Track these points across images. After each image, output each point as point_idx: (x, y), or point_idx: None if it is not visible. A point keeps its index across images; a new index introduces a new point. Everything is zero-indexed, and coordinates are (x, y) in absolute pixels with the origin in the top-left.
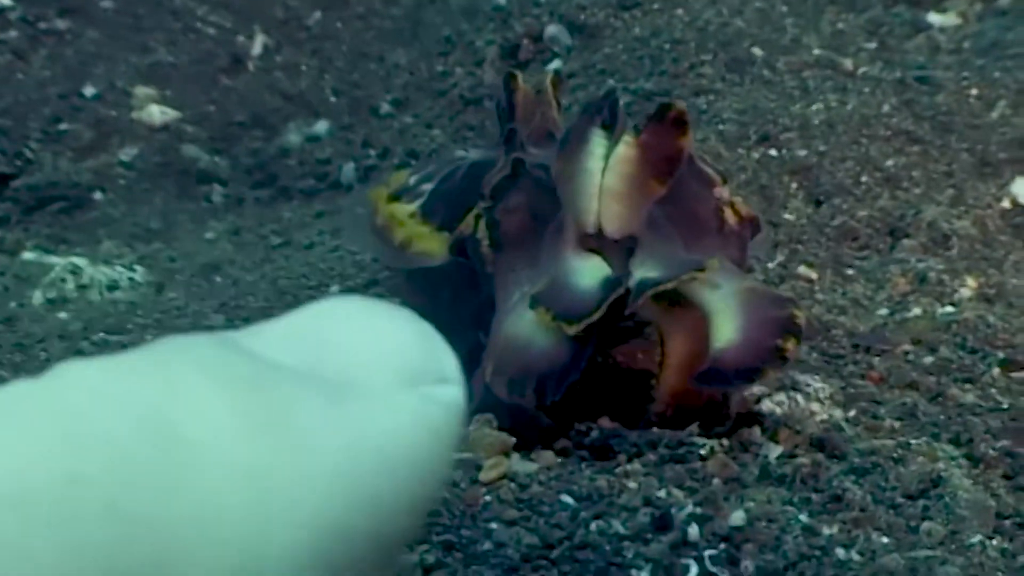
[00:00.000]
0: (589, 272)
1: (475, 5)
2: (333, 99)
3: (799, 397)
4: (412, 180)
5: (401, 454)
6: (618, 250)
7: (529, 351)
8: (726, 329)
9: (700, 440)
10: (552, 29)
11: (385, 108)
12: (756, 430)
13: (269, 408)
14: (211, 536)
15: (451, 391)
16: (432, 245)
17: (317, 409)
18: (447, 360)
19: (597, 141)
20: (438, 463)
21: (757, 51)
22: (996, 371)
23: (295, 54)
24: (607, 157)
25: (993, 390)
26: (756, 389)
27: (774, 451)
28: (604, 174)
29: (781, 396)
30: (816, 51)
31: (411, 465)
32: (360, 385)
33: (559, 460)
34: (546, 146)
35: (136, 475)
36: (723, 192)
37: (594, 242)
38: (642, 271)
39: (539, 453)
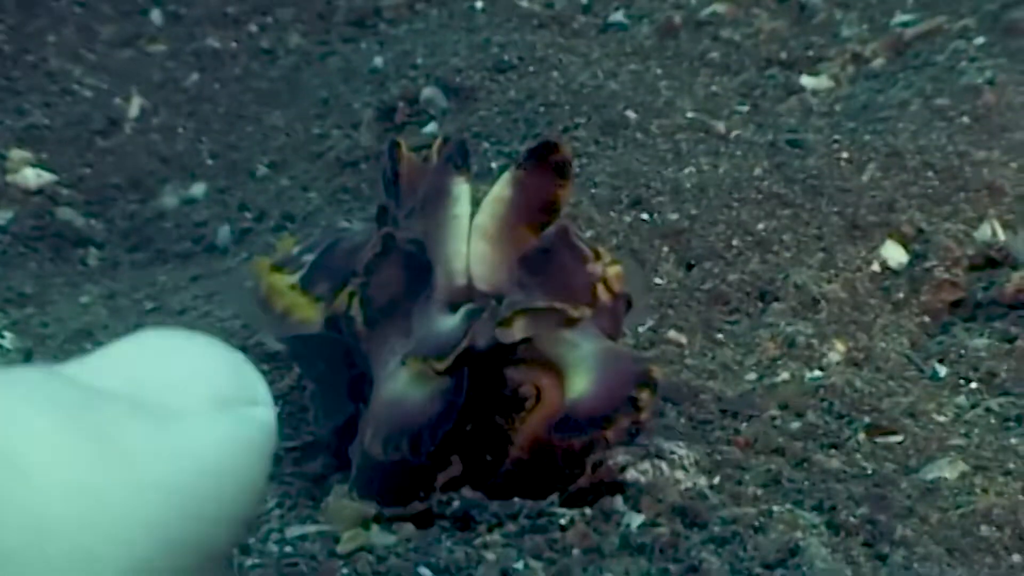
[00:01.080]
0: (454, 316)
1: (352, 67)
2: (210, 161)
3: (664, 465)
4: (295, 250)
5: (218, 468)
6: (487, 303)
7: (404, 407)
8: (580, 381)
9: (560, 510)
10: (428, 91)
11: (262, 170)
12: (619, 499)
13: (94, 429)
14: (44, 547)
15: (262, 412)
16: (309, 313)
17: (139, 429)
18: (258, 385)
19: (458, 188)
20: (253, 476)
21: (631, 114)
22: (862, 436)
23: (172, 116)
24: (475, 202)
25: (858, 455)
26: (620, 458)
27: (636, 520)
28: (474, 215)
29: (646, 464)
30: (690, 114)
31: (228, 478)
32: (177, 407)
33: (419, 531)
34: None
35: None
36: (596, 268)
37: (463, 297)
38: (509, 304)
39: (399, 524)
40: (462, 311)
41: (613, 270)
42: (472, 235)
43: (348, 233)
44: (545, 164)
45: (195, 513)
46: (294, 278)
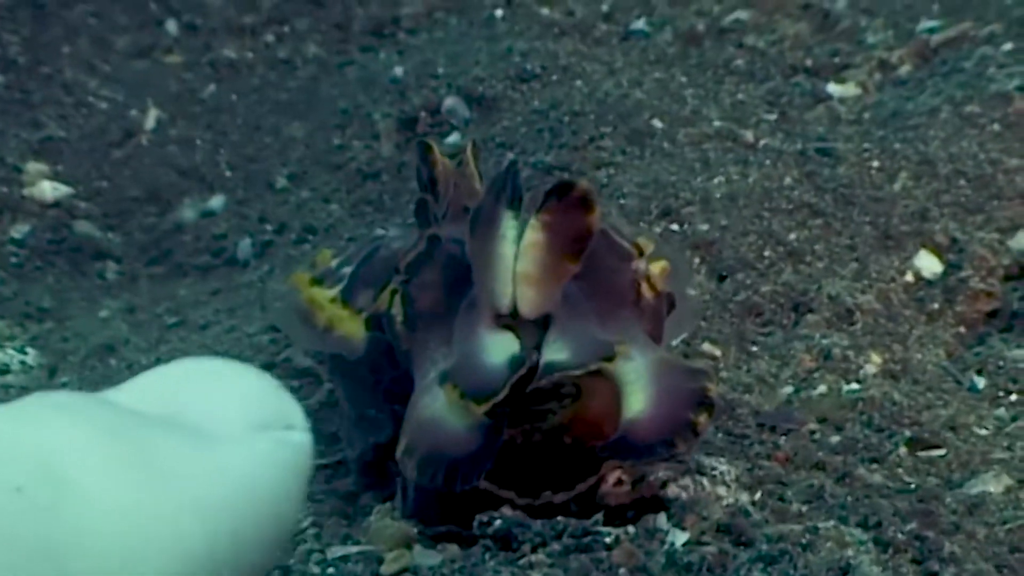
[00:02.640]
0: (499, 349)
1: (372, 77)
2: (228, 173)
3: (705, 481)
4: (334, 264)
5: (256, 490)
6: (532, 327)
7: (441, 433)
8: (637, 400)
9: (605, 529)
10: (450, 101)
11: (281, 182)
12: (662, 516)
13: (138, 452)
14: (91, 563)
15: (298, 436)
16: (352, 328)
17: (178, 452)
18: (294, 410)
19: (507, 224)
20: (291, 498)
21: (657, 123)
22: (903, 450)
23: (189, 128)
24: (518, 239)
25: (900, 470)
26: (661, 474)
27: (680, 538)
28: (516, 259)
29: (687, 480)
30: (716, 123)
31: (265, 500)
32: (217, 431)
33: (462, 551)
34: (463, 221)
35: (26, 509)
36: (639, 265)
37: (508, 319)
38: (553, 349)
39: (443, 545)
40: (508, 355)
41: (658, 266)
42: (516, 281)
43: (384, 240)
44: (567, 199)
45: (234, 533)
46: (334, 291)
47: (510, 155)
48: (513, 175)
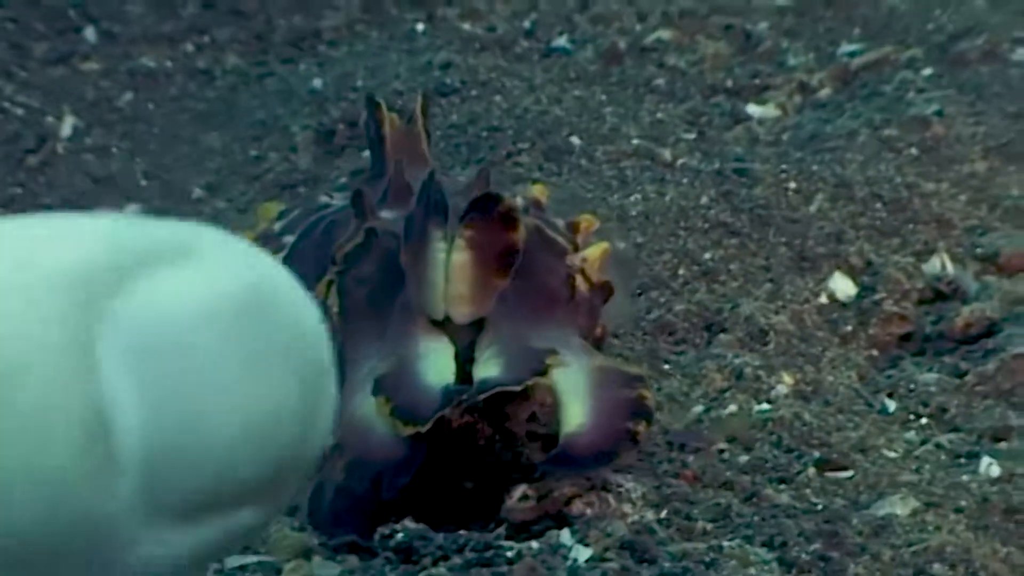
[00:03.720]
0: (435, 366)
1: (291, 89)
2: (144, 182)
3: (610, 498)
4: (277, 227)
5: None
6: (466, 332)
7: (371, 438)
8: (575, 413)
9: (507, 544)
10: (362, 118)
11: (197, 192)
12: (566, 532)
13: None
14: None
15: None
16: None
17: None
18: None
19: (436, 243)
20: None
21: (575, 140)
22: (811, 471)
23: (105, 136)
24: (448, 257)
25: (808, 491)
26: (567, 489)
27: (583, 554)
28: (447, 278)
29: (592, 497)
30: (635, 141)
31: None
32: None
33: (362, 563)
34: (403, 205)
35: None
36: (574, 260)
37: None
38: (487, 362)
39: (343, 556)
40: (444, 380)
41: (597, 249)
42: (447, 295)
43: (327, 212)
44: (490, 219)
45: None
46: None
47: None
48: (434, 190)
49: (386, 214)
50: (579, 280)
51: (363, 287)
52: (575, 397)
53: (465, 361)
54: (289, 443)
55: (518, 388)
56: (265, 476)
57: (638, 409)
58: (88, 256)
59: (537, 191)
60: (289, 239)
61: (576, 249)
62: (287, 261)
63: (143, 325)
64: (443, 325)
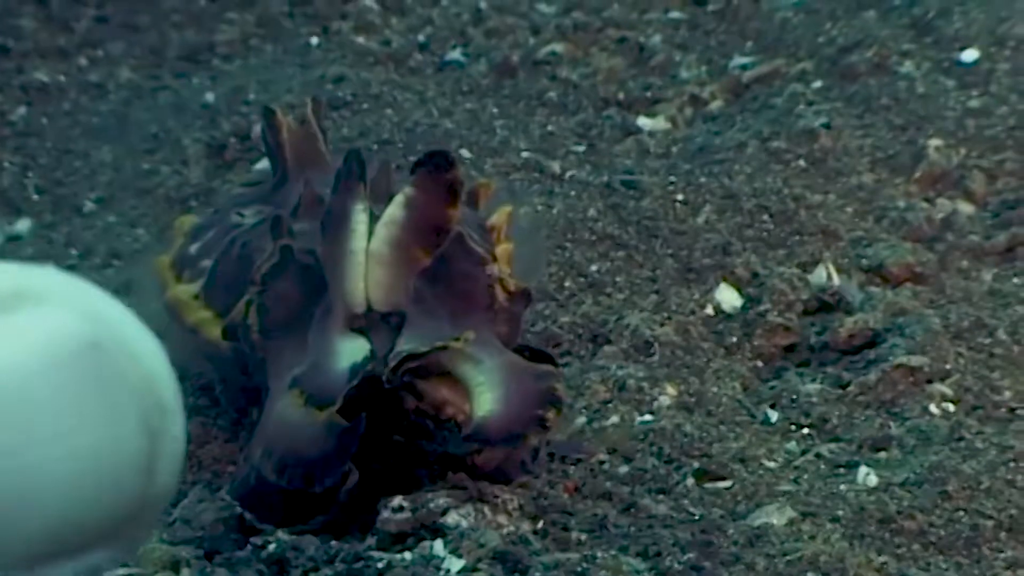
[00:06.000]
0: (348, 354)
1: (183, 103)
2: (36, 197)
3: (486, 509)
4: (192, 249)
5: None
6: (385, 329)
7: (297, 435)
8: (486, 400)
9: (378, 554)
10: (260, 128)
11: (89, 206)
12: (439, 543)
13: None
14: None
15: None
16: (217, 332)
17: None
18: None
19: (358, 218)
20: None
21: (465, 152)
22: (690, 481)
23: None
24: (369, 232)
25: (686, 501)
26: (441, 500)
27: (456, 565)
28: (370, 240)
29: (468, 508)
30: (525, 153)
31: None
32: None
33: (232, 575)
34: (316, 214)
35: None
36: (493, 269)
37: (362, 322)
38: (403, 343)
39: (212, 568)
40: (355, 360)
41: (500, 216)
42: (368, 261)
43: (240, 232)
44: (436, 185)
45: None
46: (196, 287)
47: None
48: (358, 157)
49: (299, 226)
50: (498, 289)
51: (283, 303)
52: (488, 388)
53: (381, 359)
54: (131, 486)
55: (424, 350)
56: (109, 520)
57: (549, 398)
58: None
59: (482, 189)
60: (206, 262)
61: (495, 259)
62: (207, 285)
63: None
64: (364, 319)
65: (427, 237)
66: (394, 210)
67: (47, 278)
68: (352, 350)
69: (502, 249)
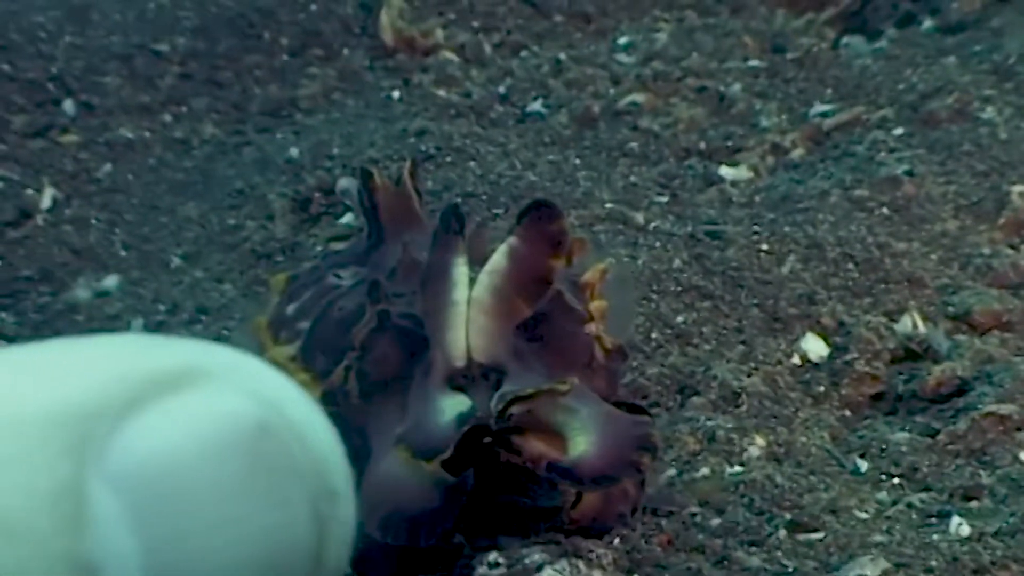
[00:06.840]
0: (451, 408)
1: (267, 158)
2: (123, 253)
3: (581, 564)
4: (289, 310)
5: None
6: (485, 386)
7: (401, 491)
8: (581, 442)
9: None
10: (344, 182)
11: (176, 262)
12: None
13: None
14: None
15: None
16: (315, 395)
17: None
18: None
19: (458, 271)
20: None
21: None
22: (782, 533)
23: (84, 207)
24: (470, 284)
25: (779, 553)
26: (536, 556)
27: None
28: (472, 288)
29: (563, 563)
30: (608, 205)
31: None
32: None
33: None
34: (413, 279)
35: None
36: (592, 328)
37: (461, 378)
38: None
39: None
40: (455, 413)
41: (593, 274)
42: (470, 310)
43: (338, 294)
44: (541, 236)
45: None
46: (293, 348)
47: (452, 199)
48: (456, 211)
49: (396, 290)
50: (596, 347)
51: (382, 367)
52: (583, 433)
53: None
54: (299, 574)
55: (531, 391)
56: None
57: (644, 443)
58: (86, 391)
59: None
60: (304, 324)
61: (592, 319)
62: (305, 347)
63: (139, 461)
64: (463, 375)
65: (529, 288)
66: (498, 259)
67: (215, 356)
68: (454, 404)
69: (596, 306)
